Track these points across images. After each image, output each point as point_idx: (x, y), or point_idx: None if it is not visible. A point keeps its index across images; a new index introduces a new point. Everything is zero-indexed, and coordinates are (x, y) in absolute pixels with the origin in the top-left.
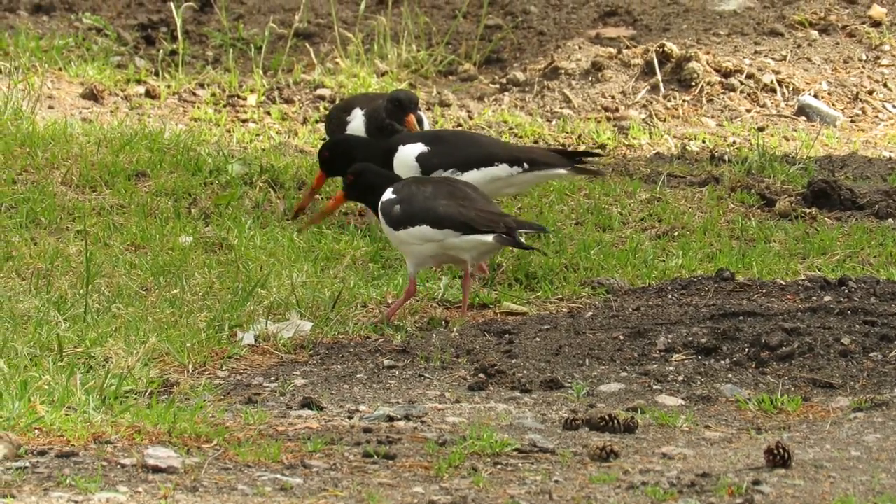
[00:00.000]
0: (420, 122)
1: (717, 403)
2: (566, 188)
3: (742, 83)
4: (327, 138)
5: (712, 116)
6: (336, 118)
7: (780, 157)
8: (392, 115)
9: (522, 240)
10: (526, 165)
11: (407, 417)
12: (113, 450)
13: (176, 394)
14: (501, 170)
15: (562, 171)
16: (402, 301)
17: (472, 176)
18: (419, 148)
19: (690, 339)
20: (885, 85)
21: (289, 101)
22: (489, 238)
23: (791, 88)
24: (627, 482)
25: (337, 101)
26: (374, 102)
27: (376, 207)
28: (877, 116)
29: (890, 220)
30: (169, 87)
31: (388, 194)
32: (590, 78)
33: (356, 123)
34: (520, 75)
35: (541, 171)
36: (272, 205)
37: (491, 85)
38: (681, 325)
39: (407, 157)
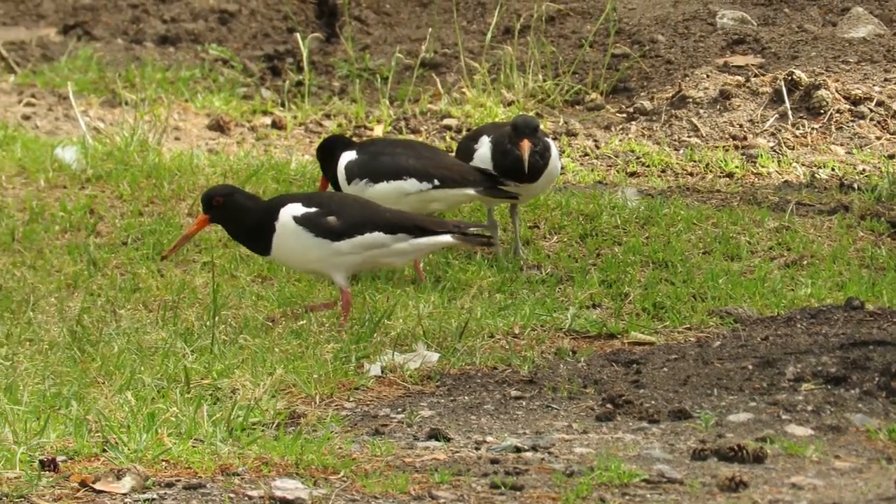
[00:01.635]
0: (547, 148)
1: (846, 433)
2: (693, 217)
3: (871, 110)
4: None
5: (841, 144)
6: (465, 147)
7: None
8: (513, 141)
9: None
10: (436, 182)
11: (534, 448)
12: (240, 482)
13: (303, 425)
14: (410, 184)
15: (471, 191)
16: (346, 315)
17: (382, 188)
18: (351, 156)
19: (820, 368)
20: None
21: (415, 130)
22: (448, 238)
23: None
24: None
25: (463, 131)
26: (501, 129)
27: (238, 233)
28: None
29: None
30: (295, 117)
31: (304, 208)
32: (717, 106)
33: (483, 151)
34: (647, 104)
35: (451, 190)
36: None
37: (618, 114)
38: (810, 354)
39: (340, 164)
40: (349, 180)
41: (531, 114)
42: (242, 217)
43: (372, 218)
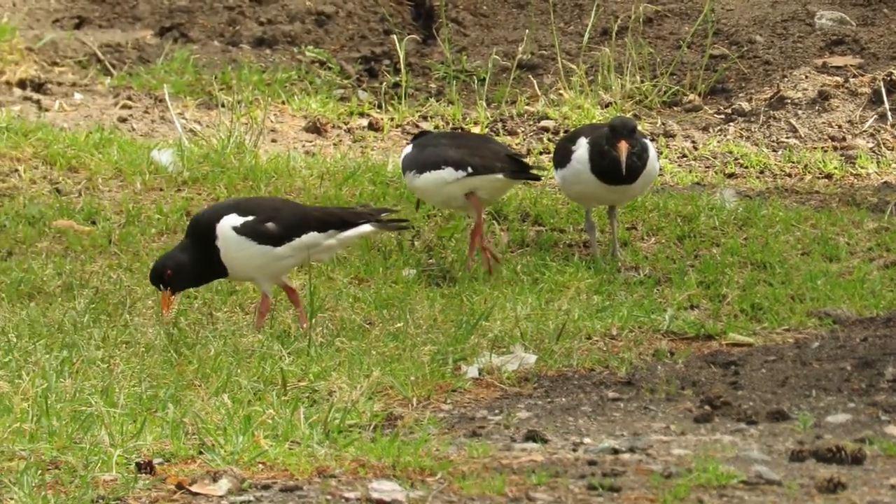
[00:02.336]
0: (645, 149)
1: None
2: (792, 218)
3: None
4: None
5: None
6: (562, 148)
7: None
8: (610, 142)
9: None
10: (470, 170)
11: (632, 450)
12: (337, 483)
13: (400, 427)
14: (448, 173)
15: (500, 176)
16: (263, 320)
17: (427, 178)
18: (407, 149)
19: None
20: None
21: (512, 132)
22: (368, 227)
23: None
24: None
25: (560, 133)
26: (599, 131)
27: (200, 281)
28: None
29: None
30: (392, 119)
31: (241, 218)
32: (816, 107)
33: (580, 152)
34: (745, 105)
35: (483, 176)
36: (496, 237)
37: (716, 115)
38: None
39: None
40: (403, 172)
41: (629, 115)
42: (193, 267)
43: (305, 218)
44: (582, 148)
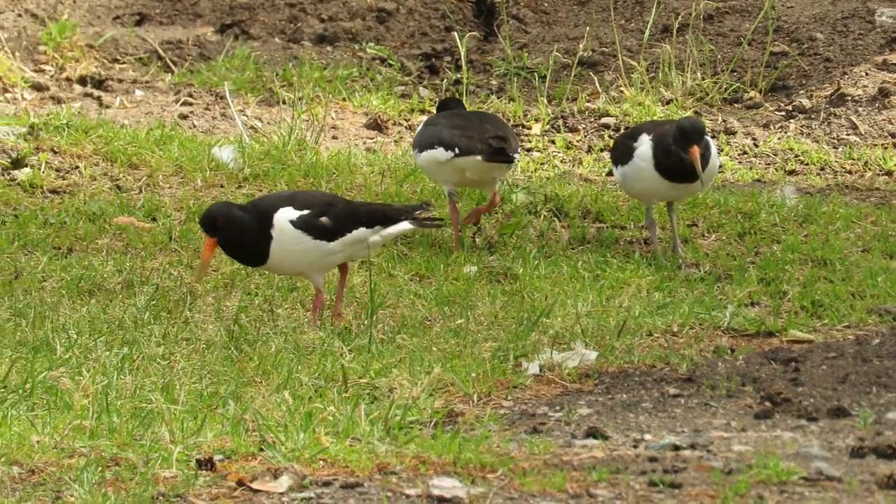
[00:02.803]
0: (707, 147)
1: None
2: (852, 215)
3: None
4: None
5: None
6: (622, 144)
7: None
8: (678, 143)
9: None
10: (456, 150)
11: (692, 446)
12: (397, 480)
13: (461, 424)
14: (440, 153)
15: (478, 158)
16: (318, 312)
17: (424, 156)
18: (420, 127)
19: None
20: None
21: (573, 129)
22: (407, 224)
23: None
24: None
25: (621, 130)
26: (662, 128)
27: (237, 249)
28: None
29: None
30: None
31: (297, 212)
32: (876, 104)
33: (643, 149)
34: (805, 102)
35: (465, 158)
36: (557, 234)
37: (776, 112)
38: None
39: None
40: (413, 149)
41: (689, 113)
42: (244, 233)
43: (355, 213)
44: (644, 144)
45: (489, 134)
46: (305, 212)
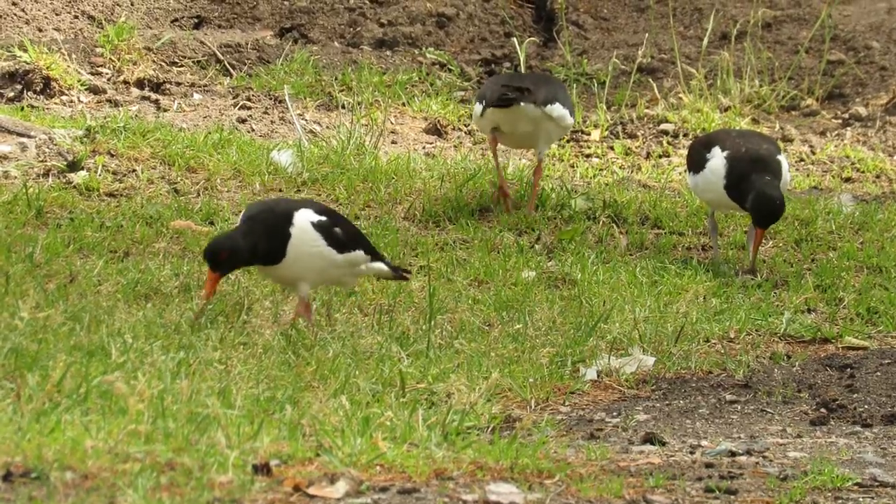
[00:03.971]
0: (779, 167)
1: None
2: None
3: None
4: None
5: None
6: (696, 152)
7: None
8: (756, 186)
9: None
10: (484, 102)
11: (748, 452)
12: (454, 486)
13: (518, 429)
14: (478, 108)
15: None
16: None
17: (475, 109)
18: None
19: None
20: None
21: (632, 135)
22: (384, 266)
23: None
24: None
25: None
26: (735, 143)
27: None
28: None
29: None
30: None
31: (318, 216)
32: None
33: (716, 162)
34: (862, 110)
35: (489, 109)
36: (615, 240)
37: (833, 120)
38: None
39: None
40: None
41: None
42: (248, 252)
43: (358, 235)
44: (717, 158)
45: (513, 84)
46: (324, 217)
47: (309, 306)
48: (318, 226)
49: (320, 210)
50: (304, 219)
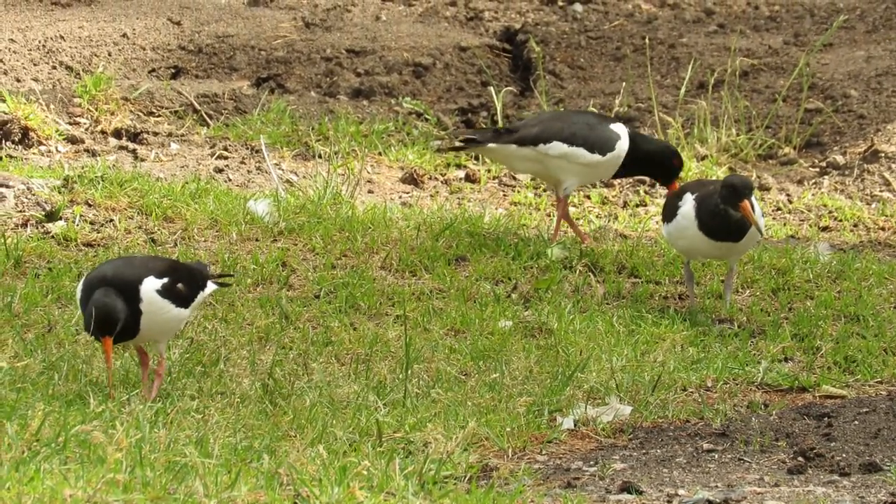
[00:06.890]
0: (752, 207)
1: None
2: (885, 272)
3: None
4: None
5: None
6: (669, 203)
7: None
8: (727, 201)
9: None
10: None
11: (726, 501)
12: None
13: (495, 478)
14: None
15: None
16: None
17: None
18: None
19: None
20: None
21: (608, 184)
22: (213, 284)
23: None
24: None
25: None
26: (706, 188)
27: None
28: None
29: None
30: (489, 171)
31: (159, 280)
32: None
33: (686, 208)
34: (839, 158)
35: None
36: (592, 289)
37: (810, 168)
38: None
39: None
40: None
41: (724, 169)
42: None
43: (193, 276)
44: (688, 204)
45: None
46: (165, 279)
47: (164, 365)
48: (163, 291)
49: (157, 270)
50: (150, 289)
